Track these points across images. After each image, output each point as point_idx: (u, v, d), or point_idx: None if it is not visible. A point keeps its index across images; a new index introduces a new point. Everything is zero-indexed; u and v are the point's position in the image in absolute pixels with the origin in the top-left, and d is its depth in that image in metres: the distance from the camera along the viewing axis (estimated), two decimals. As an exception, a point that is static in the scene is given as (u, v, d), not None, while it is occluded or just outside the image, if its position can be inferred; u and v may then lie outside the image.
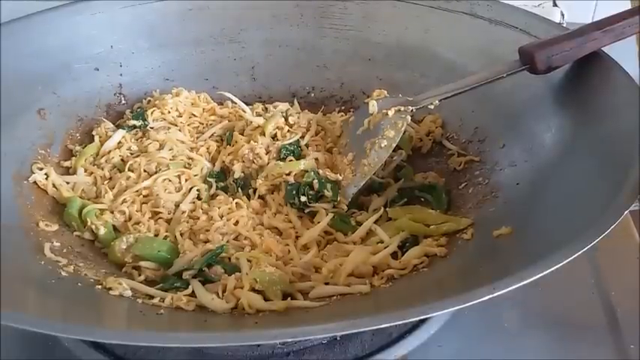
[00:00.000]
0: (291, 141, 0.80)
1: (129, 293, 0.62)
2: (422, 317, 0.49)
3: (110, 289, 0.62)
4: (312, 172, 0.74)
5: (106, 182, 0.77)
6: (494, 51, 0.80)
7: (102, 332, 0.49)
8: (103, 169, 0.79)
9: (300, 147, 0.80)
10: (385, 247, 0.67)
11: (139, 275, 0.67)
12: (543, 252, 0.51)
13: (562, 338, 0.67)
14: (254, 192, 0.76)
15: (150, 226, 0.72)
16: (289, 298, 0.62)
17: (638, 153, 0.58)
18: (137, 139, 0.83)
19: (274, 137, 0.81)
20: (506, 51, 0.75)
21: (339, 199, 0.73)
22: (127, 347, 0.64)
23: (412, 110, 0.75)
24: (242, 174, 0.77)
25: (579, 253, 0.50)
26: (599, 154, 0.64)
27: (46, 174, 0.76)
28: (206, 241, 0.69)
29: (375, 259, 0.65)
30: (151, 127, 0.84)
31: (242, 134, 0.82)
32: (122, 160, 0.80)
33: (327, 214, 0.71)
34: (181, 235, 0.71)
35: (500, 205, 0.69)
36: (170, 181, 0.76)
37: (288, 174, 0.74)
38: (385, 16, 0.90)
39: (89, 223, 0.71)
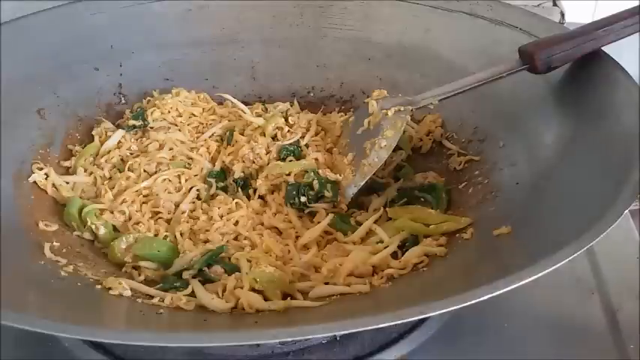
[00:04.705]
0: (291, 141, 0.80)
1: (128, 293, 0.62)
2: (421, 317, 0.48)
3: (110, 288, 0.62)
4: (312, 173, 0.74)
5: (105, 182, 0.77)
6: (495, 51, 0.80)
7: (102, 332, 0.49)
8: (102, 169, 0.79)
9: (300, 147, 0.80)
10: (385, 247, 0.67)
11: (139, 275, 0.67)
12: (543, 252, 0.51)
13: (562, 338, 0.67)
14: (254, 192, 0.76)
15: (150, 226, 0.72)
16: (289, 298, 0.62)
17: (638, 153, 0.58)
18: (137, 139, 0.83)
19: (274, 137, 0.81)
20: (506, 51, 0.75)
21: (339, 199, 0.73)
22: (127, 347, 0.64)
23: (412, 110, 0.75)
24: (242, 174, 0.77)
25: (579, 253, 0.50)
26: (599, 154, 0.64)
27: (45, 174, 0.76)
28: (206, 241, 0.69)
29: (375, 259, 0.65)
30: (151, 127, 0.84)
31: (242, 134, 0.82)
32: (122, 160, 0.80)
33: (327, 214, 0.71)
34: (181, 235, 0.71)
35: (500, 204, 0.69)
36: (170, 181, 0.76)
37: (289, 174, 0.74)
38: (385, 16, 0.90)
39: (89, 223, 0.71)
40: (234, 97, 0.88)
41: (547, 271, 0.49)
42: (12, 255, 0.62)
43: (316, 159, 0.78)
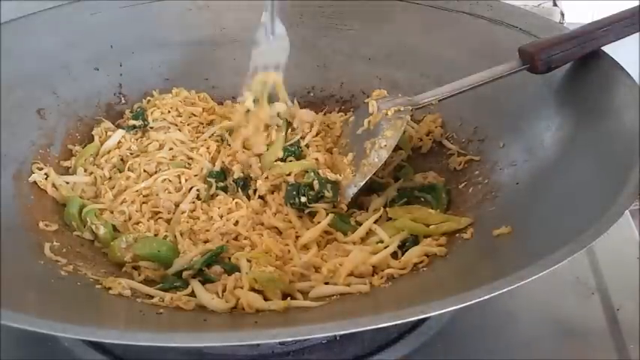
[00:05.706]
0: (291, 142, 0.80)
1: (128, 293, 0.62)
2: (421, 317, 0.48)
3: (110, 288, 0.62)
4: (313, 173, 0.74)
5: (105, 182, 0.77)
6: (495, 51, 0.79)
7: (102, 332, 0.49)
8: (102, 168, 0.79)
9: (300, 147, 0.80)
10: (385, 247, 0.67)
11: (139, 275, 0.67)
12: (543, 252, 0.51)
13: (562, 338, 0.67)
14: (254, 192, 0.76)
15: (150, 226, 0.72)
16: (289, 298, 0.62)
17: (639, 153, 0.58)
18: (137, 139, 0.83)
19: (274, 137, 0.81)
20: (507, 51, 0.75)
21: (339, 199, 0.73)
22: (127, 347, 0.64)
23: (412, 110, 0.75)
24: (242, 174, 0.77)
25: (579, 253, 0.50)
26: (599, 154, 0.63)
27: (45, 174, 0.76)
28: (206, 241, 0.69)
29: (375, 259, 0.65)
30: (151, 127, 0.83)
31: (242, 134, 0.82)
32: (122, 160, 0.80)
33: (327, 214, 0.71)
34: (181, 235, 0.71)
35: (500, 204, 0.69)
36: (170, 181, 0.76)
37: (289, 174, 0.75)
38: (385, 15, 0.90)
39: (89, 223, 0.71)
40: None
41: (547, 271, 0.49)
42: (12, 255, 0.62)
43: (316, 159, 0.78)
